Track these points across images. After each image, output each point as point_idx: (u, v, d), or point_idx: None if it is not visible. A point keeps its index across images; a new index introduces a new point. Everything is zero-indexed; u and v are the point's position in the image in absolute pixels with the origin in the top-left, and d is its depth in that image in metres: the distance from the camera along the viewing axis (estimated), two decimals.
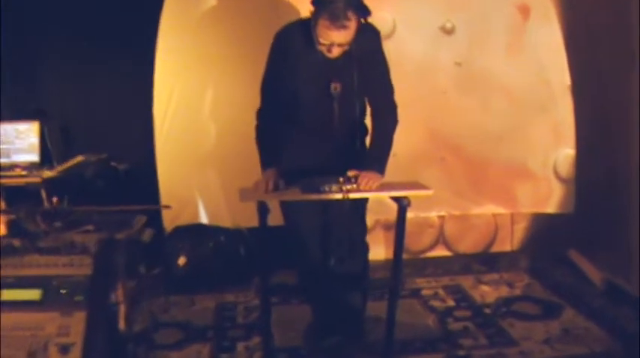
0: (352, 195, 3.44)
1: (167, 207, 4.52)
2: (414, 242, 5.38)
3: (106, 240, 2.81)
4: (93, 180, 4.47)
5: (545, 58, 5.09)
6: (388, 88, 3.77)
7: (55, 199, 3.63)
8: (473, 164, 5.20)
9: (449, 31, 5.07)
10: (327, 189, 3.42)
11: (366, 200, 3.85)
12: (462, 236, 5.46)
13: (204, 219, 5.20)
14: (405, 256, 4.24)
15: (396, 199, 3.52)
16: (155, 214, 4.92)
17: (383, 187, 3.56)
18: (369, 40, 3.61)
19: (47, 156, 4.86)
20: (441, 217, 5.37)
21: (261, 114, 3.75)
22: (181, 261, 4.90)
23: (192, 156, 5.08)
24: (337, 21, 3.38)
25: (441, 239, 5.44)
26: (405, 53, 4.93)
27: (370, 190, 3.51)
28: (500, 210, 5.32)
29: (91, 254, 2.72)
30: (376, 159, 3.68)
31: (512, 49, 5.08)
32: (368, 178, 3.52)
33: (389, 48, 3.81)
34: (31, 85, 5.14)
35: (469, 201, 5.24)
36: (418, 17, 5.03)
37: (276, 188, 3.49)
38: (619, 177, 4.67)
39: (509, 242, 5.53)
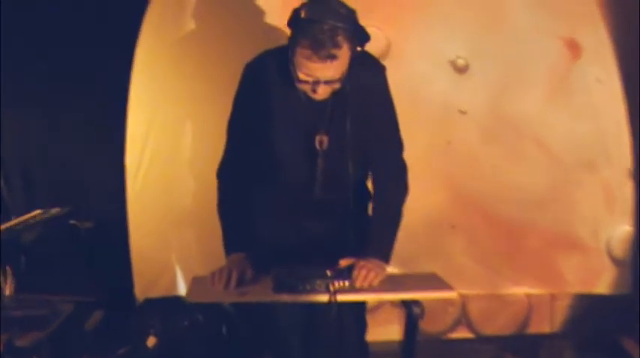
0: (343, 298, 2.60)
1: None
2: (430, 321, 4.62)
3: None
4: (32, 246, 3.80)
5: (596, 106, 4.38)
6: (395, 143, 2.98)
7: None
8: (505, 232, 4.47)
9: (461, 69, 4.35)
10: (307, 287, 2.61)
11: None
12: (489, 316, 4.73)
13: (183, 288, 4.51)
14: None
15: (404, 303, 2.71)
16: (125, 280, 4.37)
17: (387, 285, 2.74)
18: (368, 75, 2.83)
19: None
20: (464, 296, 4.62)
21: (224, 173, 2.97)
22: (150, 341, 4.22)
23: (169, 213, 4.44)
24: (322, 49, 2.57)
25: (463, 319, 4.71)
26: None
27: (368, 290, 2.68)
28: (538, 289, 4.58)
29: None
30: (378, 242, 2.88)
31: (555, 93, 4.38)
32: (367, 270, 2.71)
33: None
34: None
35: (500, 276, 4.51)
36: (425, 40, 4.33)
37: (240, 282, 2.67)
38: None
39: (547, 322, 4.78)
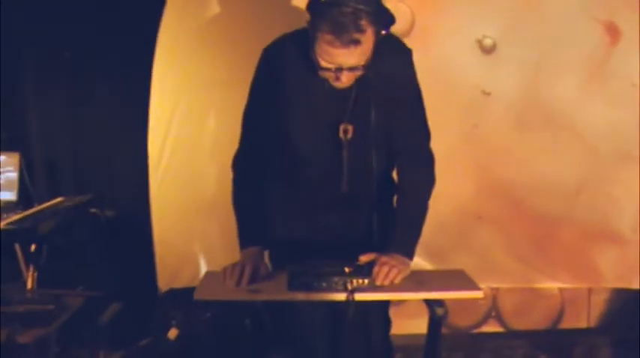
0: (360, 297, 2.43)
1: None
2: (460, 315, 4.52)
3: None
4: (53, 235, 3.72)
5: (635, 94, 4.17)
6: (422, 132, 2.81)
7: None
8: (538, 224, 4.29)
9: (488, 50, 4.18)
10: (324, 285, 2.45)
11: None
12: (521, 310, 4.58)
13: None
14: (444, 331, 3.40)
15: (427, 302, 2.54)
16: (149, 270, 4.27)
17: (409, 283, 2.55)
18: (394, 60, 2.66)
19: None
20: (495, 289, 4.49)
21: (239, 163, 2.82)
22: (172, 333, 4.17)
23: (192, 203, 4.32)
24: (344, 34, 2.39)
25: (493, 313, 4.56)
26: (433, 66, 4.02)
27: (388, 289, 2.49)
28: (572, 283, 4.41)
29: None
30: (402, 236, 2.70)
31: (591, 79, 4.19)
32: (388, 267, 2.54)
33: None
34: (9, 111, 4.40)
35: (533, 270, 4.33)
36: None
37: (254, 278, 2.54)
38: None
39: (582, 317, 4.63)
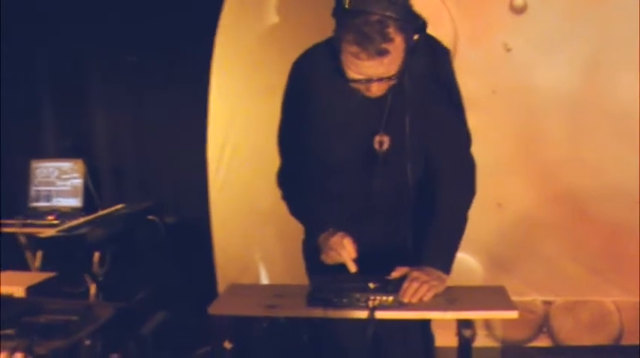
0: (382, 315, 2.25)
1: None
2: (509, 328, 4.28)
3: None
4: (113, 241, 3.73)
5: None
6: (460, 137, 2.60)
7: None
8: (604, 234, 4.07)
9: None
10: (344, 301, 2.27)
11: None
12: (575, 324, 4.28)
13: None
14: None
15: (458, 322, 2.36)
16: (209, 277, 4.29)
17: (439, 301, 2.34)
18: (430, 62, 2.48)
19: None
20: (548, 303, 4.23)
21: (284, 182, 2.73)
22: (227, 344, 4.09)
23: (252, 210, 4.29)
24: (370, 44, 2.24)
25: (545, 328, 4.28)
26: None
27: (414, 307, 2.29)
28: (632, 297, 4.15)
29: None
30: (438, 249, 2.49)
31: None
32: (419, 283, 2.33)
33: None
34: (76, 120, 4.61)
35: (604, 280, 4.13)
36: None
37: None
38: None
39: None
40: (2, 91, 4.34)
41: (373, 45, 2.24)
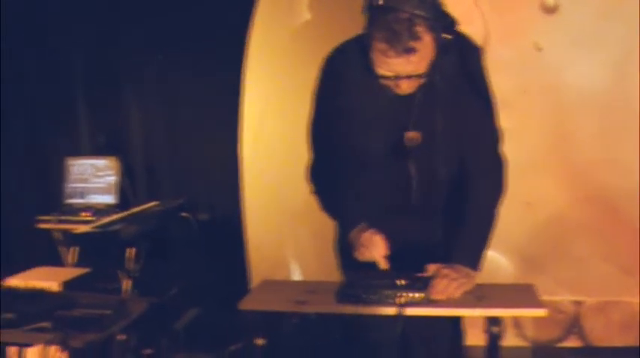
0: (411, 311, 2.28)
1: None
2: (539, 328, 4.28)
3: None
4: (145, 238, 3.76)
5: None
6: (491, 134, 2.60)
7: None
8: (636, 231, 4.03)
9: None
10: (373, 298, 2.31)
11: None
12: (605, 326, 4.27)
13: None
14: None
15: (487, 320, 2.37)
16: (241, 274, 4.34)
17: (468, 298, 2.37)
18: (461, 60, 2.48)
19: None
20: (579, 303, 4.22)
21: (315, 173, 2.74)
22: (259, 340, 4.12)
23: (285, 208, 4.32)
24: (398, 42, 2.27)
25: (575, 328, 4.27)
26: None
27: (443, 304, 2.32)
28: None
29: None
30: (467, 247, 2.51)
31: None
32: (448, 280, 2.37)
33: None
34: (111, 118, 4.65)
35: (634, 280, 4.08)
36: None
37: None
38: None
39: None
40: (28, 91, 4.46)
41: (401, 42, 2.27)
